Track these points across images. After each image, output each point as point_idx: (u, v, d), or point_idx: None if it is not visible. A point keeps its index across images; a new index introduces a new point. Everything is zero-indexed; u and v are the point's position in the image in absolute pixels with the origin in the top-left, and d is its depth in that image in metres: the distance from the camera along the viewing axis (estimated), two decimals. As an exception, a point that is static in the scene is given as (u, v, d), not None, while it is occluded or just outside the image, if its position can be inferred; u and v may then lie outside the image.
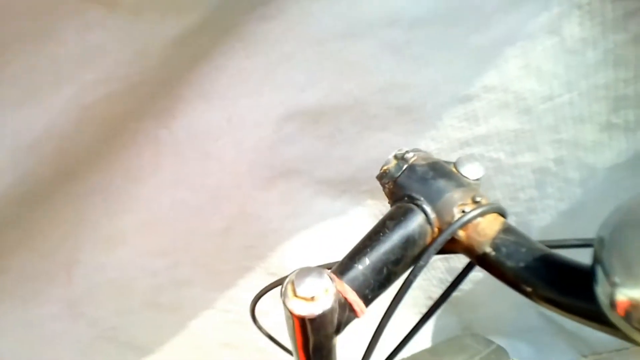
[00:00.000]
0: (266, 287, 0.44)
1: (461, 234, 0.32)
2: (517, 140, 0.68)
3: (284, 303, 0.30)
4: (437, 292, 0.93)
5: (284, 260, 0.77)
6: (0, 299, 0.77)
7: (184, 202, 0.69)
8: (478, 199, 0.33)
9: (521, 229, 0.31)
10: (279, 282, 0.42)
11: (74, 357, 0.89)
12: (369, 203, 0.74)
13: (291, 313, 0.29)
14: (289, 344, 0.35)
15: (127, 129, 0.61)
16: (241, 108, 0.62)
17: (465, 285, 0.44)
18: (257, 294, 0.45)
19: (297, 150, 0.67)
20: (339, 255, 0.79)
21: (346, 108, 0.64)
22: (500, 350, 0.69)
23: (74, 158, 0.60)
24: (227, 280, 0.80)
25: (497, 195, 0.74)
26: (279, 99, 0.62)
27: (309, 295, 0.29)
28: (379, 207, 0.75)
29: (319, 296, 0.29)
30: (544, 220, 0.77)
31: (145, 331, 0.87)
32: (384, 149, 0.66)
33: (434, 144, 0.69)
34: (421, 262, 0.32)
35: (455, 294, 0.37)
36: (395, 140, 0.67)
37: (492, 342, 0.70)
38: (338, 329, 0.32)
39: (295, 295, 0.29)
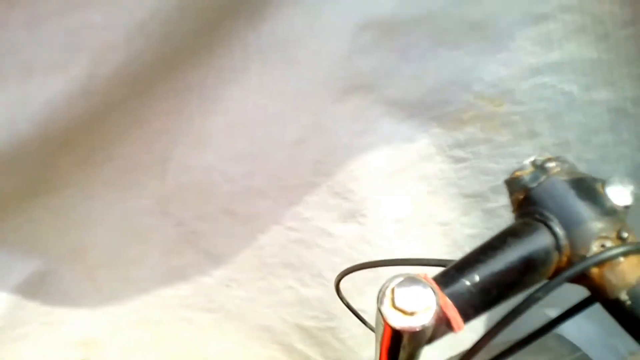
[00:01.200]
0: (352, 267, 0.45)
1: (595, 271, 0.28)
2: (593, 71, 0.66)
3: (378, 309, 0.29)
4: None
5: (349, 181, 0.81)
6: (106, 187, 0.88)
7: (265, 108, 0.75)
8: (624, 234, 0.28)
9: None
10: (365, 266, 0.44)
11: (158, 256, 0.99)
12: (435, 132, 0.76)
13: (386, 322, 0.28)
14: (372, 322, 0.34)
15: (221, 26, 0.69)
16: (323, 14, 0.68)
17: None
18: (343, 272, 0.47)
19: (371, 63, 0.71)
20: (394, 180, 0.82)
21: (419, 20, 0.67)
22: (585, 358, 0.67)
23: (174, 48, 0.69)
24: (295, 196, 0.85)
25: (568, 138, 0.73)
26: (357, 6, 0.67)
27: (408, 310, 0.28)
28: (444, 138, 0.77)
29: (420, 312, 0.28)
30: (617, 172, 0.74)
31: (220, 239, 0.95)
32: (455, 68, 0.68)
33: (505, 70, 0.70)
34: (539, 294, 0.28)
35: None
36: (466, 61, 0.68)
37: (577, 349, 0.68)
38: (430, 341, 0.31)
39: (393, 305, 0.28)
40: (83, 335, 1.08)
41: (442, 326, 0.30)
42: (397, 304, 0.28)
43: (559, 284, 0.28)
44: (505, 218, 0.86)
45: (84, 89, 0.66)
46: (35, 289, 0.99)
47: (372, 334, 0.35)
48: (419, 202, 0.84)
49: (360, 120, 0.74)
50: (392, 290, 0.28)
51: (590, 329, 0.85)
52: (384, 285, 0.29)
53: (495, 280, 0.29)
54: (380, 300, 0.29)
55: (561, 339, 0.72)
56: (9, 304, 0.96)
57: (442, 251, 0.92)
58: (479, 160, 0.78)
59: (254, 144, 0.79)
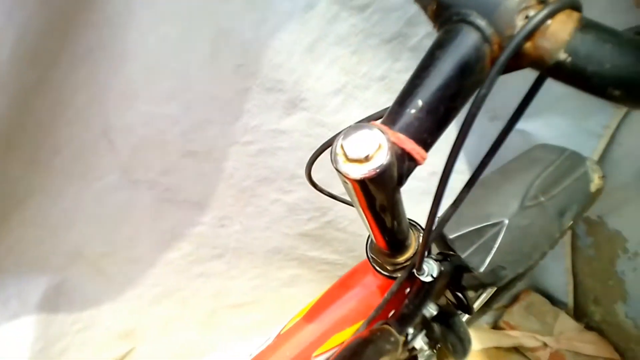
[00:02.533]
0: (317, 150, 0.45)
1: (528, 46, 0.27)
2: None
3: (336, 169, 0.28)
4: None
5: (274, 71, 0.83)
6: (66, 180, 0.91)
7: (167, 36, 0.77)
8: None
9: None
10: (321, 149, 0.45)
11: (147, 225, 1.02)
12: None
13: (346, 177, 0.28)
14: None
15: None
16: None
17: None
18: (310, 158, 0.48)
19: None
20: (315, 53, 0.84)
21: None
22: (575, 155, 0.67)
23: (55, 12, 0.70)
24: (235, 109, 0.88)
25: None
26: None
27: (362, 156, 0.27)
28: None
29: (373, 154, 0.28)
30: None
31: (193, 185, 0.98)
32: None
33: None
34: (483, 90, 0.27)
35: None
36: None
37: (564, 149, 0.68)
38: (400, 181, 0.31)
39: (347, 158, 0.28)
40: (119, 329, 1.13)
41: (406, 162, 0.30)
42: (350, 156, 0.28)
43: (498, 72, 0.26)
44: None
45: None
46: (55, 302, 1.03)
47: None
48: (347, 66, 0.86)
49: (255, 9, 0.76)
50: (342, 146, 0.28)
51: (564, 124, 0.89)
52: (333, 144, 0.29)
53: (438, 96, 0.28)
54: (334, 160, 0.28)
55: (546, 146, 0.72)
56: (38, 325, 1.00)
57: (392, 106, 0.95)
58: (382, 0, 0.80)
59: (175, 76, 0.80)
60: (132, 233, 0.99)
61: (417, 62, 0.82)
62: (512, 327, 1.15)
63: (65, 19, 0.72)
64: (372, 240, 0.53)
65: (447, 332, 0.58)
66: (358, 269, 0.65)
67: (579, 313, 1.16)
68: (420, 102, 0.29)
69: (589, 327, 1.12)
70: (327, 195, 0.57)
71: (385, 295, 0.51)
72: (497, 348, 1.16)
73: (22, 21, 0.66)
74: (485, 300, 0.80)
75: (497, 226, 0.59)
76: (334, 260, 1.13)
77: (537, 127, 0.91)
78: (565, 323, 1.12)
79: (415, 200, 0.72)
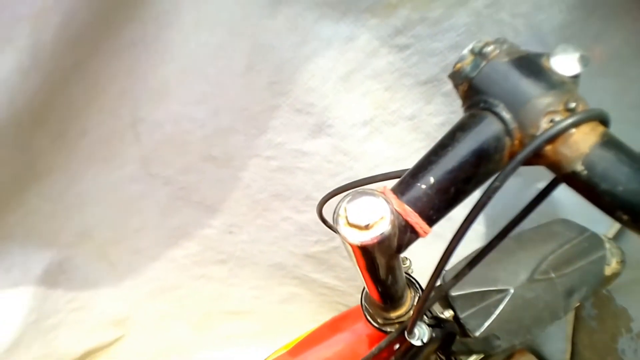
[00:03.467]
0: (332, 192, 0.45)
1: (548, 148, 0.27)
2: None
3: (337, 231, 0.29)
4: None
5: (306, 94, 0.83)
6: (88, 163, 0.92)
7: (207, 44, 0.78)
8: (572, 104, 0.26)
9: None
10: (341, 189, 0.44)
11: (157, 220, 1.03)
12: (371, 24, 0.77)
13: (345, 240, 0.28)
14: None
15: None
16: None
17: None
18: (323, 198, 0.47)
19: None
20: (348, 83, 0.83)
21: None
22: (594, 237, 0.65)
23: (106, 3, 0.72)
24: (262, 123, 0.88)
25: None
26: None
27: (362, 224, 0.28)
28: (382, 28, 0.79)
29: (374, 223, 0.28)
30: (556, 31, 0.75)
31: (209, 188, 0.98)
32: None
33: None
34: (496, 183, 0.27)
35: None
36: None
37: (585, 229, 0.66)
38: (399, 250, 0.31)
39: (348, 222, 0.28)
40: (113, 315, 1.13)
41: (408, 233, 0.30)
42: (351, 221, 0.28)
43: (514, 168, 0.26)
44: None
45: (34, 58, 0.69)
46: (55, 278, 1.04)
47: None
48: (378, 101, 0.86)
49: (297, 30, 0.76)
50: (345, 209, 0.28)
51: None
52: (337, 205, 0.29)
53: (450, 178, 0.28)
54: (336, 221, 0.29)
55: (568, 222, 0.70)
56: (35, 297, 1.01)
57: (417, 147, 0.94)
58: (422, 42, 0.79)
59: (209, 82, 0.81)
60: (142, 224, 1.00)
61: (448, 107, 0.82)
62: (502, 389, 1.12)
63: (114, 10, 0.73)
64: (366, 290, 0.53)
65: None
66: (350, 313, 0.64)
67: (571, 385, 1.12)
68: (432, 180, 0.29)
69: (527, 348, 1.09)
70: (334, 231, 0.56)
71: (373, 349, 0.50)
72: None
73: (71, 6, 0.67)
74: (477, 360, 0.78)
75: (502, 293, 0.57)
76: (335, 286, 1.12)
77: (560, 191, 0.89)
78: (556, 393, 1.08)
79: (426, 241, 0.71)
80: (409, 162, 0.90)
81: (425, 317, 0.51)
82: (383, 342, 0.49)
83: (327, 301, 1.16)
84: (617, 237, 0.90)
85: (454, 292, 0.57)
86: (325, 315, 1.16)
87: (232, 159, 0.91)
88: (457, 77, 0.31)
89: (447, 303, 0.58)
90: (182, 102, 0.84)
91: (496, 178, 0.27)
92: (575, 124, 0.25)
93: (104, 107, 0.84)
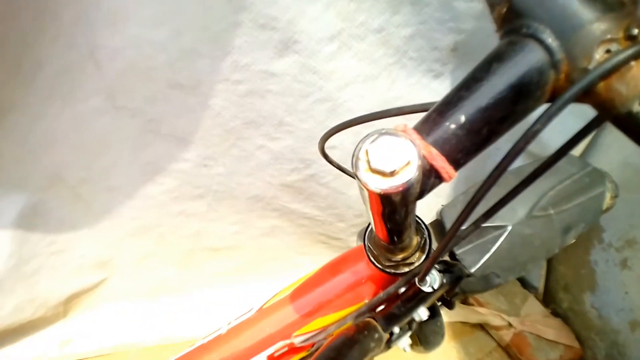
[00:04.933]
0: (334, 128, 0.41)
1: (601, 84, 0.22)
2: None
3: (356, 175, 0.25)
4: (442, 40, 0.89)
5: (268, 6, 0.78)
6: (49, 99, 0.87)
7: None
8: (634, 31, 0.22)
9: None
10: (346, 125, 0.40)
11: (129, 155, 0.98)
12: None
13: (365, 187, 0.25)
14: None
15: None
16: None
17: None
18: (326, 134, 0.42)
19: None
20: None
21: None
22: (596, 172, 0.61)
23: None
24: (226, 43, 0.83)
25: None
26: None
27: (387, 170, 0.24)
28: None
29: (400, 169, 0.24)
30: None
31: (179, 119, 0.94)
32: None
33: None
34: (537, 126, 0.23)
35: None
36: None
37: (587, 164, 0.63)
38: (421, 195, 0.27)
39: (370, 168, 0.25)
40: (95, 257, 1.10)
41: (432, 178, 0.26)
42: (374, 166, 0.24)
43: (560, 109, 0.22)
44: (434, 5, 0.84)
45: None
46: (31, 222, 1.00)
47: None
48: (344, 13, 0.81)
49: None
50: (366, 152, 0.25)
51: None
52: (357, 146, 0.25)
53: (484, 116, 0.24)
54: (355, 165, 0.25)
55: (569, 157, 0.65)
56: (13, 242, 0.98)
57: (387, 62, 0.91)
58: (386, -55, 0.74)
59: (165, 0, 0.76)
60: (113, 161, 0.96)
61: (416, 17, 0.77)
62: (481, 304, 1.13)
63: None
64: (372, 229, 0.49)
65: (424, 324, 0.55)
66: (351, 254, 0.60)
67: (547, 299, 1.13)
68: (462, 118, 0.24)
69: (555, 314, 1.10)
70: (341, 170, 0.52)
71: (380, 294, 0.47)
72: (463, 323, 1.14)
73: None
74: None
75: (500, 230, 0.55)
76: (315, 216, 1.10)
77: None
78: (533, 306, 1.09)
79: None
80: (380, 81, 0.86)
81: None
82: (392, 288, 0.46)
83: (308, 232, 1.14)
84: (587, 149, 0.88)
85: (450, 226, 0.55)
86: (307, 248, 1.14)
87: (199, 85, 0.86)
88: None
89: (442, 236, 0.56)
90: (141, 24, 0.79)
91: (537, 120, 0.23)
92: (637, 55, 0.21)
93: (58, 35, 0.79)
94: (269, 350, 0.58)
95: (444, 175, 0.26)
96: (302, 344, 0.58)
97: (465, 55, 0.87)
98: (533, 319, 1.05)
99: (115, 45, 0.82)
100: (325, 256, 1.14)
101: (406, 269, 0.48)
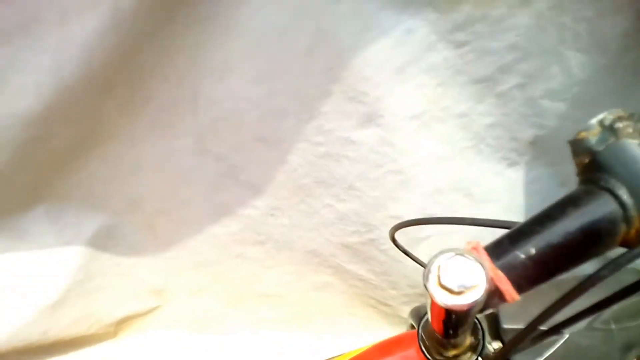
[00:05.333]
0: (406, 222, 0.43)
1: None
2: None
3: (425, 285, 0.27)
4: (522, 132, 0.91)
5: (361, 82, 0.84)
6: (148, 131, 0.95)
7: (273, 22, 0.79)
8: None
9: None
10: (418, 222, 0.42)
11: (204, 195, 1.04)
12: (432, 18, 0.77)
13: (432, 299, 0.27)
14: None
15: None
16: None
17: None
18: (400, 225, 0.45)
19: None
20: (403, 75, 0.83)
21: None
22: None
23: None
24: (314, 108, 0.88)
25: (562, -5, 0.73)
26: None
27: (455, 289, 0.26)
28: (442, 23, 0.78)
29: (467, 290, 0.26)
30: None
31: (257, 169, 1.00)
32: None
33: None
34: (604, 272, 0.25)
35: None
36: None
37: None
38: (482, 311, 0.29)
39: (439, 283, 0.27)
40: (152, 284, 1.16)
41: (495, 298, 0.28)
42: (444, 283, 0.26)
43: (629, 261, 0.24)
44: (519, 100, 0.87)
45: (113, 23, 0.72)
46: (104, 242, 1.07)
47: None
48: (430, 96, 0.85)
49: (359, 18, 0.77)
50: (439, 268, 0.27)
51: None
52: (430, 260, 0.28)
53: (552, 252, 0.26)
54: (426, 276, 0.27)
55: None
56: (84, 258, 1.04)
57: (464, 145, 0.93)
58: (480, 41, 0.79)
59: (270, 61, 0.82)
60: (190, 197, 1.02)
61: (499, 109, 0.81)
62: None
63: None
64: (428, 319, 0.52)
65: None
66: (405, 337, 0.62)
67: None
68: (532, 250, 0.26)
69: None
70: (406, 254, 0.54)
71: None
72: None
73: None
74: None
75: (557, 335, 0.56)
76: (368, 279, 1.11)
77: None
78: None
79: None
80: (454, 162, 0.89)
81: None
82: None
83: (359, 294, 1.15)
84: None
85: (507, 325, 0.55)
86: (356, 309, 1.15)
87: (282, 142, 0.92)
88: (579, 146, 0.28)
89: (497, 334, 0.56)
90: (242, 80, 0.86)
91: (604, 267, 0.24)
92: None
93: (169, 76, 0.86)
94: None
95: (507, 297, 0.28)
96: None
97: (543, 149, 0.88)
98: None
99: (216, 96, 0.89)
100: (372, 320, 1.15)
101: None
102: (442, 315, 0.31)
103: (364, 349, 0.64)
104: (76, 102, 0.83)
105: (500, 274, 0.26)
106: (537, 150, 0.91)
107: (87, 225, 1.05)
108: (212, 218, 1.06)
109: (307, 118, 0.89)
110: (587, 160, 0.27)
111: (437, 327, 0.38)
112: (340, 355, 0.64)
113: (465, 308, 0.26)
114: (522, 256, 0.26)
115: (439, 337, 0.44)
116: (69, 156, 0.93)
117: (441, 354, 0.49)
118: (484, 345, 0.48)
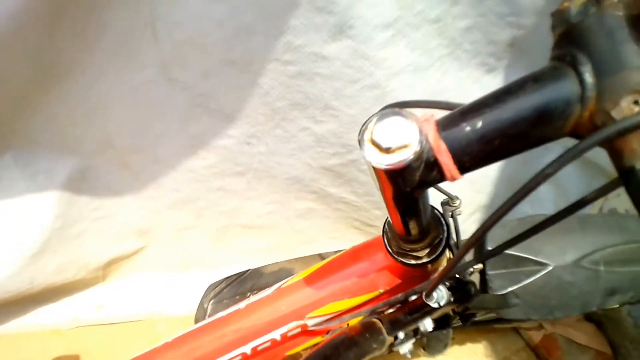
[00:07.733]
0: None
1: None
2: None
3: (359, 140, 0.26)
4: (500, 34, 0.88)
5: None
6: (108, 63, 0.89)
7: None
8: None
9: None
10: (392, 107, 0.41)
11: (177, 127, 1.00)
12: None
13: (365, 157, 0.26)
14: None
15: None
16: None
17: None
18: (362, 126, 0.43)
19: None
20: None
21: None
22: None
23: None
24: (281, 23, 0.83)
25: None
26: None
27: (384, 145, 0.25)
28: None
29: (396, 149, 0.25)
30: None
31: (228, 95, 0.95)
32: None
33: None
34: (549, 169, 0.22)
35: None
36: None
37: None
38: (421, 185, 0.28)
39: (371, 140, 0.26)
40: (135, 225, 1.13)
41: (434, 172, 0.27)
42: (375, 139, 0.25)
43: (575, 155, 0.22)
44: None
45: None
46: (79, 185, 1.03)
47: None
48: (403, 1, 0.81)
49: None
50: (373, 124, 0.26)
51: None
52: (368, 119, 0.26)
53: (500, 128, 0.25)
54: (361, 133, 0.26)
55: None
56: (60, 204, 1.01)
57: (441, 53, 0.90)
58: None
59: (228, -25, 0.77)
60: (162, 131, 0.98)
61: (475, 9, 0.76)
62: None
63: None
64: (389, 219, 0.50)
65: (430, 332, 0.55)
66: (372, 243, 0.61)
67: (583, 302, 1.11)
68: (479, 123, 0.25)
69: (588, 318, 1.08)
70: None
71: (387, 300, 0.49)
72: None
73: None
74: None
75: (539, 266, 0.53)
76: (351, 201, 1.10)
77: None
78: (567, 309, 1.07)
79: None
80: (431, 72, 0.86)
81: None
82: (400, 296, 0.48)
83: (344, 217, 1.15)
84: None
85: (491, 248, 0.54)
86: (341, 232, 1.15)
87: (251, 63, 0.87)
88: (559, 17, 0.25)
89: (480, 254, 0.55)
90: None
91: (549, 165, 0.22)
92: None
93: (125, 1, 0.80)
94: (283, 329, 0.59)
95: (447, 172, 0.26)
96: (315, 328, 0.59)
97: (522, 52, 0.85)
98: (565, 322, 1.04)
99: (175, 19, 0.83)
100: (358, 242, 1.15)
101: (413, 261, 0.48)
102: (380, 184, 0.30)
103: (333, 257, 0.64)
104: (27, 34, 0.77)
105: (443, 145, 0.25)
106: (516, 52, 0.88)
107: (59, 170, 1.01)
108: (187, 152, 1.03)
109: (275, 34, 0.83)
110: (561, 32, 0.25)
111: (391, 212, 0.37)
112: (312, 267, 0.64)
113: (392, 167, 0.25)
114: (468, 129, 0.25)
115: (396, 230, 0.43)
116: (29, 96, 0.88)
117: (406, 250, 0.48)
118: (446, 245, 0.47)
